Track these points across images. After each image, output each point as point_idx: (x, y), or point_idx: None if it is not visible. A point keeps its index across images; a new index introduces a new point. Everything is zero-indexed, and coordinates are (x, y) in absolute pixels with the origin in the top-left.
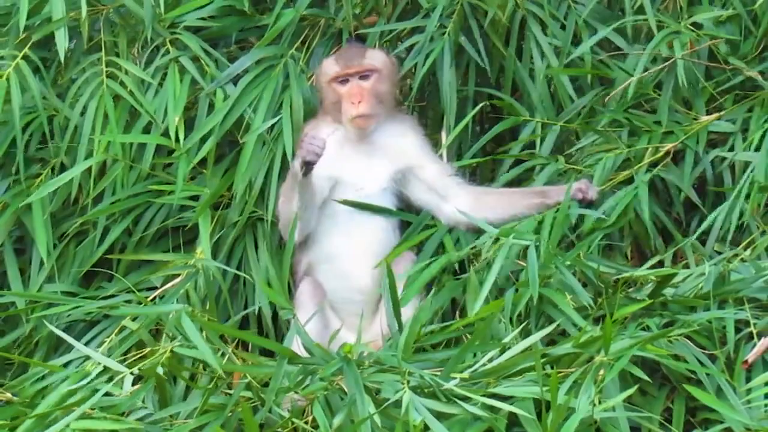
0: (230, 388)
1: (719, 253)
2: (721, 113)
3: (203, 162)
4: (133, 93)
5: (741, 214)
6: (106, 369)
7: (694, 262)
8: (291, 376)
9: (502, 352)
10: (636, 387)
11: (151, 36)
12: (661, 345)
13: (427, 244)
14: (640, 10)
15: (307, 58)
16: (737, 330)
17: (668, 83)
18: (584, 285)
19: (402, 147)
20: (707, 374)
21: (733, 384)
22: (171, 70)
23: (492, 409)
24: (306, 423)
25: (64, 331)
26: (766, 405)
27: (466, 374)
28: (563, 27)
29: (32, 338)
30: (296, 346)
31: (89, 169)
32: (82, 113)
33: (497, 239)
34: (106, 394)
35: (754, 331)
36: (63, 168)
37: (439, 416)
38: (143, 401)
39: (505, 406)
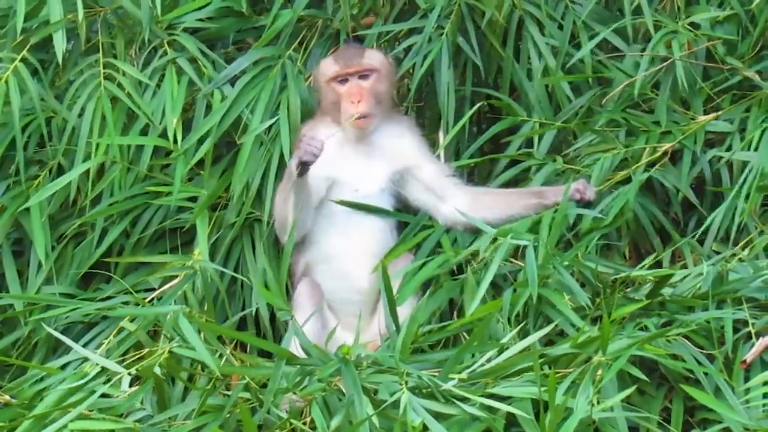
0: (228, 389)
1: (717, 253)
2: (719, 113)
3: (201, 163)
4: (130, 94)
5: (739, 214)
6: (104, 370)
7: (692, 262)
8: (289, 377)
9: (500, 352)
10: (634, 387)
11: (149, 37)
12: (660, 345)
13: (424, 245)
14: (638, 10)
15: (304, 58)
16: (735, 330)
17: (666, 83)
18: (582, 285)
19: (399, 148)
20: (705, 374)
21: (731, 384)
22: (168, 71)
23: (490, 409)
24: (304, 424)
25: (62, 332)
26: (764, 405)
27: (464, 375)
28: (560, 27)
29: (31, 340)
30: (294, 347)
31: (87, 170)
32: (80, 115)
33: (495, 239)
34: (105, 395)
35: (753, 331)
36: (61, 170)
37: (438, 417)
38: (141, 402)
39: (504, 407)
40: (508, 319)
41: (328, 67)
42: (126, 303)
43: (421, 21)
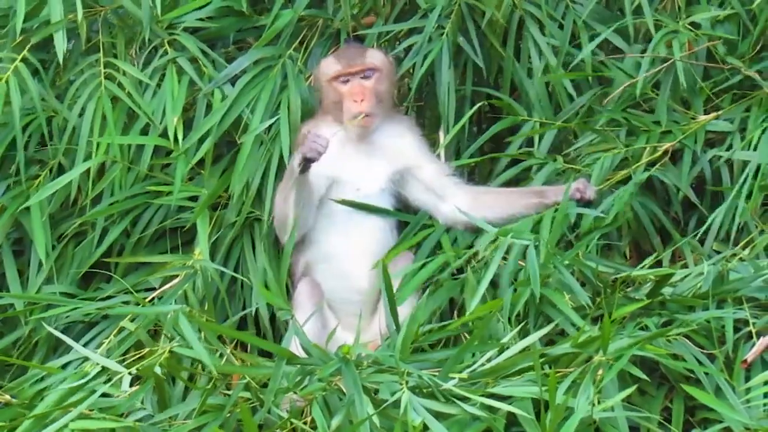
0: (229, 389)
1: (718, 253)
2: (719, 113)
3: (201, 163)
4: (131, 94)
5: (740, 214)
6: (104, 370)
7: (692, 261)
8: (289, 376)
9: (501, 352)
10: (635, 387)
11: (149, 37)
12: (660, 344)
13: (424, 245)
14: (638, 10)
15: (305, 58)
16: (736, 329)
17: (666, 83)
18: (583, 284)
19: (400, 147)
20: (706, 374)
21: (732, 383)
22: (169, 71)
23: (491, 409)
24: (305, 423)
25: (62, 332)
26: (765, 404)
27: (464, 374)
28: (561, 27)
29: (31, 339)
30: (295, 346)
31: (88, 170)
32: (81, 114)
33: (495, 238)
34: (105, 394)
35: (753, 331)
36: (61, 169)
37: (438, 416)
38: (142, 402)
39: (504, 406)
40: (509, 319)
41: (330, 66)
42: (126, 303)
43: (421, 21)
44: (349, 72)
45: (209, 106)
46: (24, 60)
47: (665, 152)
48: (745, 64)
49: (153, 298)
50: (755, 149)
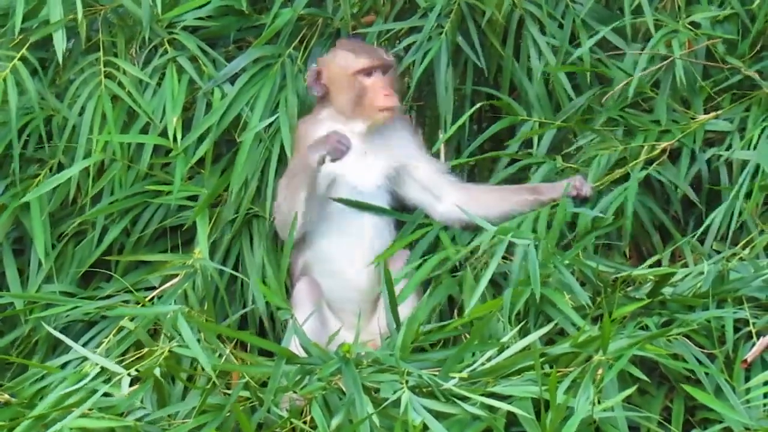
0: (229, 388)
1: (718, 252)
2: (719, 112)
3: (201, 162)
4: (131, 93)
5: (739, 214)
6: (104, 369)
7: (692, 261)
8: (289, 375)
9: (501, 351)
10: (635, 387)
11: (149, 36)
12: (660, 344)
13: (421, 242)
14: (638, 9)
15: (304, 57)
16: (736, 329)
17: (666, 82)
18: (582, 284)
19: (396, 145)
20: (706, 374)
21: (732, 383)
22: (169, 70)
23: (491, 408)
24: (304, 423)
25: (62, 331)
26: (765, 404)
27: (464, 374)
28: (561, 26)
29: (31, 339)
30: (294, 345)
31: (87, 169)
32: (81, 113)
33: (494, 237)
34: (105, 394)
35: (753, 331)
36: (61, 168)
37: (438, 416)
38: (141, 401)
39: (504, 406)
40: (509, 318)
41: (352, 60)
42: (126, 302)
43: (421, 20)
44: (374, 66)
45: (209, 105)
46: (23, 59)
47: (663, 151)
48: (745, 63)
49: (153, 298)
50: (755, 149)
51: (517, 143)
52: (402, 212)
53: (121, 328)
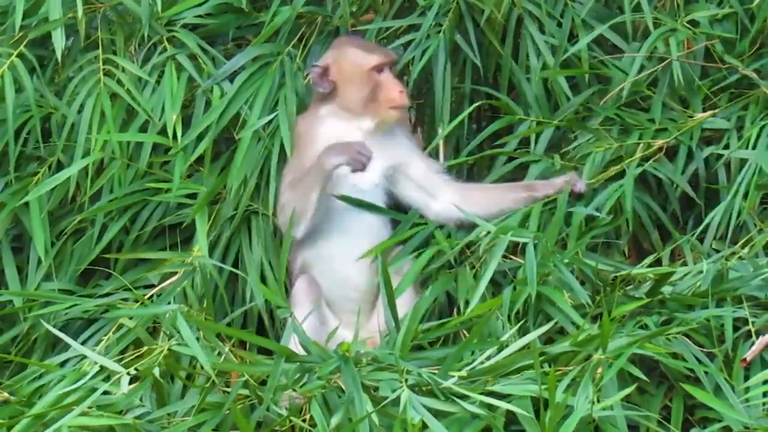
0: (228, 386)
1: (717, 251)
2: (716, 111)
3: (200, 160)
4: (130, 91)
5: (738, 212)
6: (103, 367)
7: (692, 260)
8: (288, 374)
9: (500, 350)
10: (635, 386)
11: (149, 34)
12: (659, 343)
13: (416, 238)
14: (638, 8)
15: (303, 55)
16: (735, 328)
17: (663, 81)
18: (582, 283)
19: (391, 144)
20: (705, 372)
21: (731, 382)
22: (168, 67)
23: (490, 407)
24: (304, 421)
25: (61, 329)
26: (764, 403)
27: (464, 372)
28: (560, 25)
29: (30, 337)
30: (293, 344)
31: (86, 167)
32: (80, 111)
33: (488, 233)
34: (104, 392)
35: (753, 330)
36: (60, 166)
37: (437, 414)
38: (141, 400)
39: (504, 405)
40: (508, 317)
41: (366, 56)
42: (125, 300)
43: (419, 18)
44: (385, 62)
45: (208, 103)
46: (21, 57)
47: (659, 149)
48: (744, 63)
49: (152, 296)
50: (752, 148)
51: (515, 142)
52: (400, 212)
53: (120, 326)
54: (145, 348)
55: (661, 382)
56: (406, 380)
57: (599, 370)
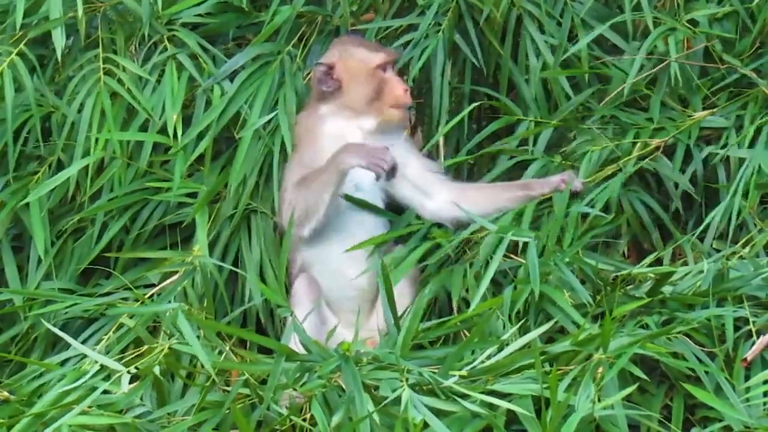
0: (228, 386)
1: (718, 251)
2: (714, 110)
3: (200, 159)
4: (130, 90)
5: (738, 212)
6: (103, 366)
7: (692, 259)
8: (289, 373)
9: (501, 349)
10: (636, 385)
11: (149, 33)
12: (660, 343)
13: (413, 237)
14: (638, 8)
15: (303, 55)
16: (736, 328)
17: (662, 81)
18: (582, 282)
19: (389, 143)
20: (706, 372)
21: (732, 382)
22: (168, 67)
23: (491, 406)
24: (304, 420)
25: (61, 328)
26: (765, 403)
27: (464, 371)
28: (559, 24)
29: (30, 335)
30: (294, 343)
31: (87, 166)
32: (80, 110)
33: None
34: (104, 391)
35: (753, 329)
36: (60, 165)
37: (438, 414)
38: (141, 399)
39: (504, 404)
40: (509, 316)
41: (371, 55)
42: (125, 299)
43: (419, 18)
44: (389, 61)
45: (208, 102)
46: (22, 55)
47: (657, 147)
48: (743, 62)
49: (152, 295)
50: (750, 147)
51: (514, 142)
52: (399, 213)
53: (120, 326)
54: (146, 347)
55: (661, 382)
56: (407, 379)
57: (600, 369)
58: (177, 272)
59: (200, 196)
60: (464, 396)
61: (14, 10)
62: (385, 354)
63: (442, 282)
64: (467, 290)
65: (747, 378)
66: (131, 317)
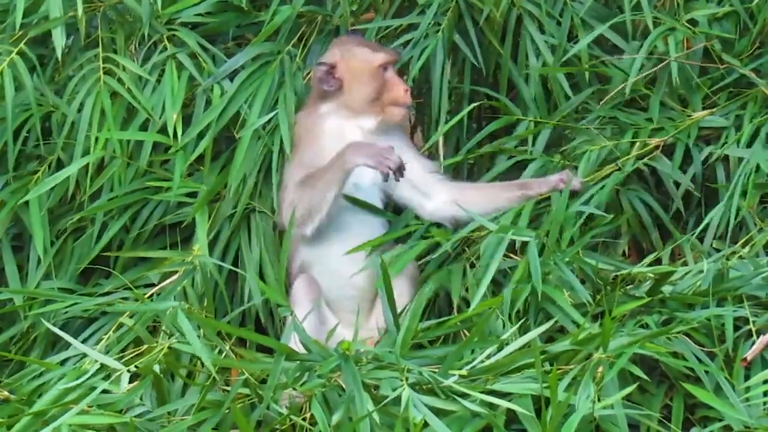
0: (228, 385)
1: (717, 251)
2: (713, 110)
3: (200, 158)
4: (130, 90)
5: (738, 211)
6: (103, 366)
7: (692, 259)
8: (289, 372)
9: (501, 348)
10: (636, 385)
11: (149, 32)
12: (660, 342)
13: (412, 237)
14: (637, 8)
15: (303, 54)
16: (736, 327)
17: (661, 81)
18: (582, 282)
19: (388, 143)
20: (706, 372)
21: (731, 382)
22: (168, 66)
23: (491, 406)
24: (304, 420)
25: (61, 327)
26: (764, 403)
27: (464, 371)
28: (559, 24)
29: (30, 335)
30: (293, 342)
31: (86, 165)
32: (80, 110)
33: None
34: (104, 391)
35: (753, 329)
36: (60, 165)
37: (438, 413)
38: (141, 398)
39: (504, 403)
40: (509, 316)
41: (373, 54)
42: (125, 298)
43: (418, 17)
44: (391, 60)
45: (208, 102)
46: (22, 55)
47: (656, 147)
48: (743, 62)
49: (152, 294)
50: (749, 146)
51: (513, 142)
52: (398, 213)
53: (120, 325)
54: (145, 346)
55: (661, 382)
56: (407, 379)
57: (600, 369)
58: (177, 272)
59: (200, 196)
60: (464, 395)
61: (14, 10)
62: (385, 353)
63: (442, 281)
64: (467, 289)
65: (747, 378)
66: (131, 316)
